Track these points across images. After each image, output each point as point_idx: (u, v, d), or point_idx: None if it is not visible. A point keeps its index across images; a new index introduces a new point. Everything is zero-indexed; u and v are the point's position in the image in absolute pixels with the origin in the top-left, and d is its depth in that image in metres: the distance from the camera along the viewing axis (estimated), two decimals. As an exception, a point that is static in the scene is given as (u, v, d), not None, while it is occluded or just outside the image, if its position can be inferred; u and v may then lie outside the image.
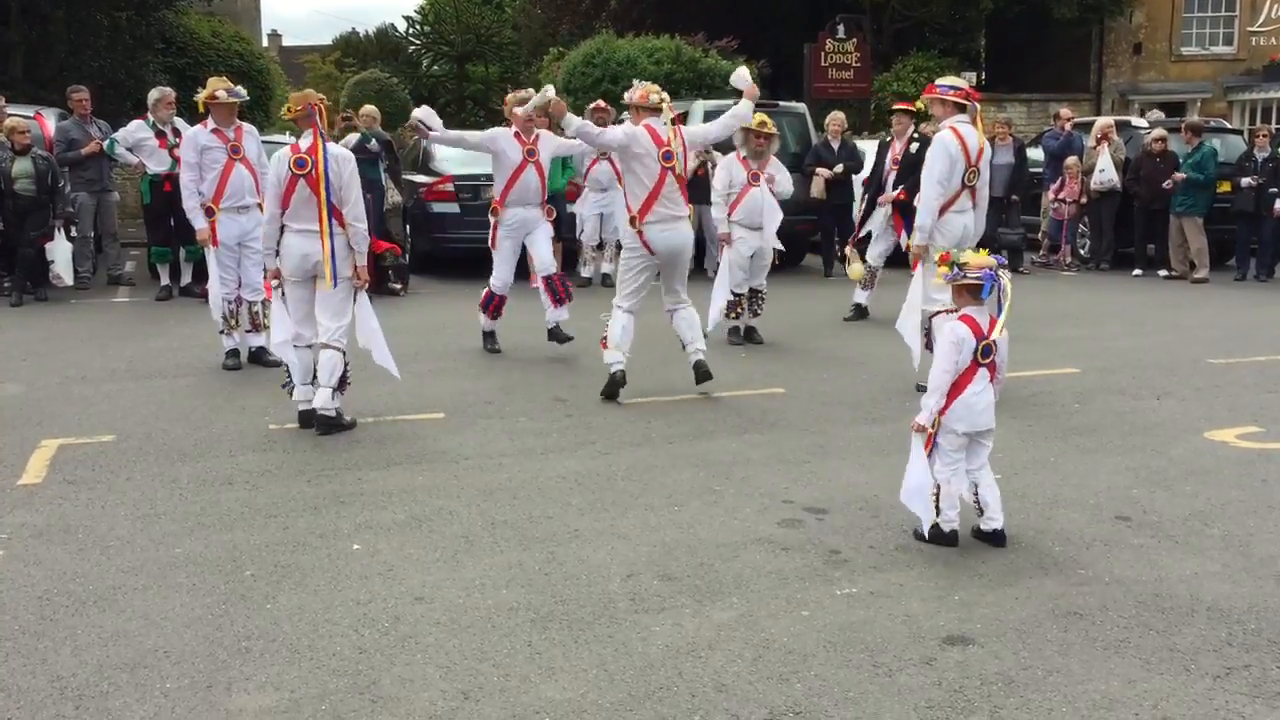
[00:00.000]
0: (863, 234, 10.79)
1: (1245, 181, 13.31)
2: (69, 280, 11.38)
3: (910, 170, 9.90)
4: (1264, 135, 14.01)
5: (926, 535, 4.60)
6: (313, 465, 5.75)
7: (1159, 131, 14.28)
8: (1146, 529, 4.87)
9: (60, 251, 11.24)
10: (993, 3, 23.69)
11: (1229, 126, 19.35)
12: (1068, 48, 25.85)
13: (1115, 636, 3.82)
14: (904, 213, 9.88)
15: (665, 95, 7.36)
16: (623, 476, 5.60)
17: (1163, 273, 13.90)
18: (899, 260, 9.57)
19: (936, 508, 4.57)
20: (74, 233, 11.62)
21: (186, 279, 11.64)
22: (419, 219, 13.58)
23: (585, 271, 12.91)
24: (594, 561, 4.47)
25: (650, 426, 6.57)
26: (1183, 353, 8.90)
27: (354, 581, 4.27)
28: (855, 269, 10.35)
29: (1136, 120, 17.69)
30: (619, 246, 13.00)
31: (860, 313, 10.41)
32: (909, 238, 8.80)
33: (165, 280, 11.66)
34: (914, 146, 10.38)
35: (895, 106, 11.37)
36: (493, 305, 8.82)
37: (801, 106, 15.61)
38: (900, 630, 3.86)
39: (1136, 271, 14.10)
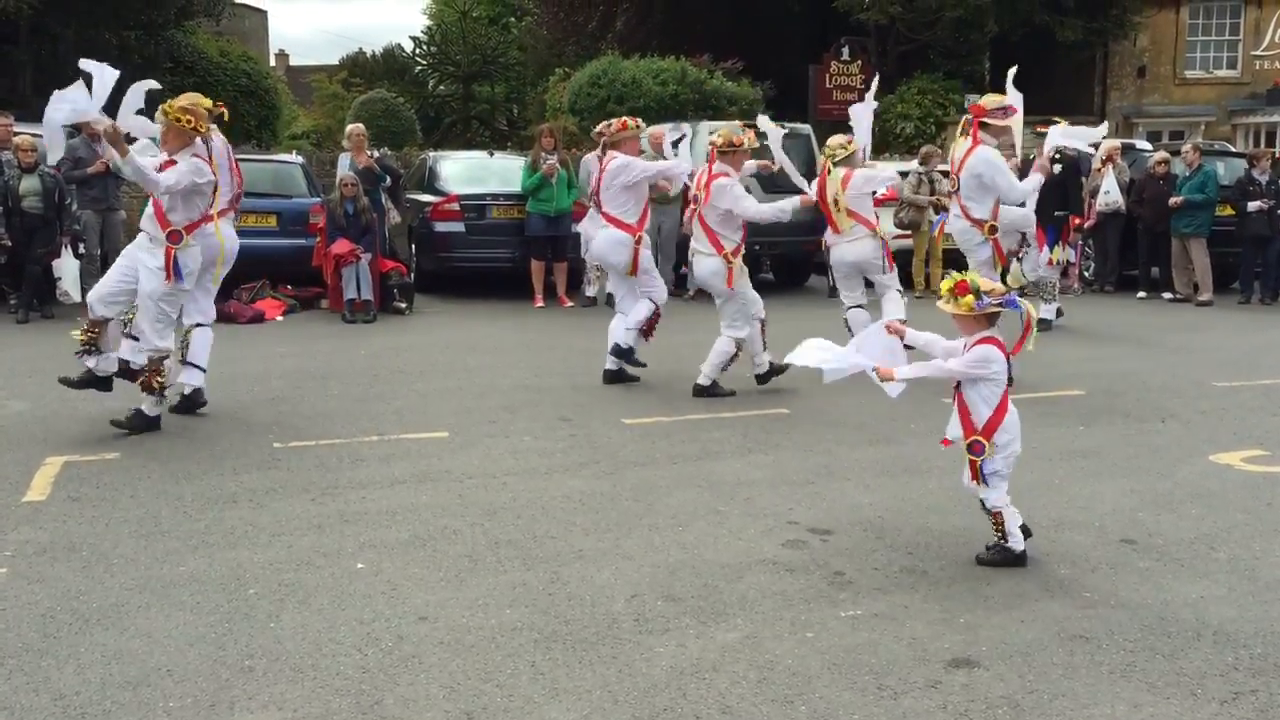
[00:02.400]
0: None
1: (1254, 205, 13.32)
2: (76, 297, 11.40)
3: (1054, 188, 10.85)
4: (1266, 158, 14.03)
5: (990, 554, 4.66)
6: (316, 484, 5.76)
7: (1161, 154, 14.33)
8: (1152, 552, 4.86)
9: (67, 269, 11.29)
10: (997, 25, 23.79)
11: (1233, 150, 19.39)
12: (1072, 70, 25.97)
13: (1121, 660, 3.80)
14: (1047, 227, 10.83)
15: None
16: (627, 497, 5.60)
17: (1167, 295, 13.92)
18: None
19: (1005, 532, 4.61)
20: (81, 250, 11.67)
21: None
22: (424, 238, 13.62)
23: (590, 291, 12.93)
24: (598, 582, 4.46)
25: (655, 446, 6.57)
26: (1188, 375, 8.90)
27: (357, 600, 4.26)
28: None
29: (1141, 143, 17.74)
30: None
31: (1044, 326, 10.79)
32: (1051, 252, 10.62)
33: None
34: (1055, 167, 11.00)
35: (1037, 130, 11.69)
36: (654, 323, 8.57)
37: (806, 128, 15.67)
38: (905, 653, 3.84)
39: (1141, 294, 14.12)
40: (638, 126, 8.53)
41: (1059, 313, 11.48)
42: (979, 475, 4.60)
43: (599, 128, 8.69)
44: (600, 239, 8.43)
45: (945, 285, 4.57)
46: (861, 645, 3.90)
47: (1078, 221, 11.82)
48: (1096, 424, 7.21)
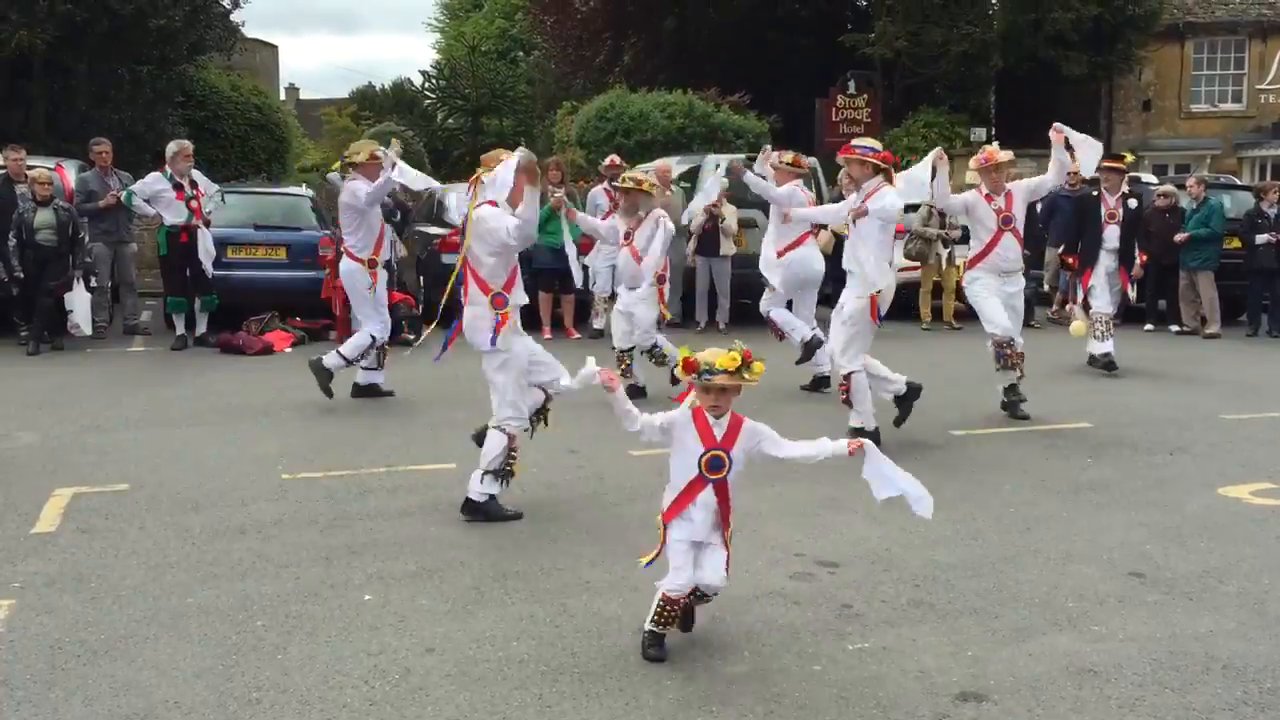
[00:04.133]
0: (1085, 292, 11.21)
1: (1263, 238, 13.36)
2: (87, 330, 11.46)
3: (1132, 228, 10.95)
4: (1274, 191, 14.07)
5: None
6: (325, 515, 5.77)
7: (1167, 187, 14.38)
8: (1160, 585, 4.84)
9: (79, 301, 11.34)
10: (1002, 60, 23.92)
11: (1239, 183, 19.44)
12: (1077, 104, 26.06)
13: (1130, 695, 3.79)
14: (1126, 264, 10.95)
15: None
16: (634, 528, 5.59)
17: (1174, 328, 13.93)
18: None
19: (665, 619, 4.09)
20: (93, 283, 11.74)
21: (201, 329, 11.75)
22: (433, 270, 13.66)
23: (598, 324, 12.96)
24: (605, 614, 4.46)
25: (661, 479, 6.53)
26: (1196, 408, 8.89)
27: (365, 632, 4.26)
28: (1077, 326, 10.76)
29: (1146, 176, 17.81)
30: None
31: (1108, 362, 10.67)
32: (1134, 288, 10.94)
33: (180, 330, 11.75)
34: (1131, 203, 11.06)
35: (1104, 165, 11.39)
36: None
37: (812, 160, 15.74)
38: (913, 686, 3.83)
39: (1148, 326, 14.12)
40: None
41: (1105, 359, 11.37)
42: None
43: (846, 178, 8.81)
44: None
45: (679, 372, 4.19)
46: (869, 678, 3.89)
47: (1144, 258, 11.88)
48: (1104, 457, 7.20)
